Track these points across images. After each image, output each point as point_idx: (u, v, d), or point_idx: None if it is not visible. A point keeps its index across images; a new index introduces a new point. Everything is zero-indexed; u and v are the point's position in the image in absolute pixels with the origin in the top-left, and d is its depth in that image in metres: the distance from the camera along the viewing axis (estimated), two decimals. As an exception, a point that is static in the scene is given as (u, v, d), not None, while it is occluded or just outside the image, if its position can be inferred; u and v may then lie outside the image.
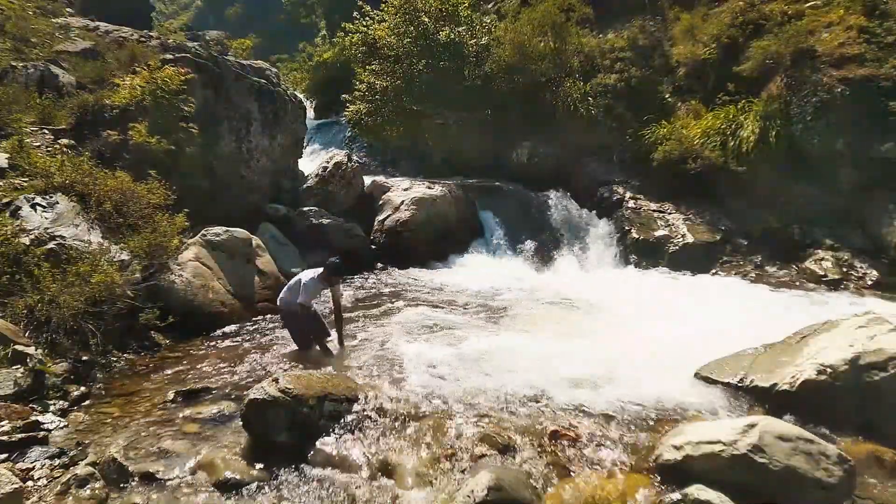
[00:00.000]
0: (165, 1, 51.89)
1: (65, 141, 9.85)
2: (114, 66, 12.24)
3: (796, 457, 3.98)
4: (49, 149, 9.43)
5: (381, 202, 13.29)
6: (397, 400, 5.25)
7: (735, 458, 4.01)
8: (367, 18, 18.11)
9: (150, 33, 16.98)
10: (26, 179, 8.04)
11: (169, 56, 11.42)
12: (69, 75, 11.88)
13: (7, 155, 8.48)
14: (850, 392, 4.96)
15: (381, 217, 12.93)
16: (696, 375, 5.94)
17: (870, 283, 9.90)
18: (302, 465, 4.37)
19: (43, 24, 14.61)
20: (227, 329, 7.86)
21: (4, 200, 7.38)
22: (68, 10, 20.03)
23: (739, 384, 5.57)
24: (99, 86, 11.49)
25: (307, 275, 7.02)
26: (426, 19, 16.26)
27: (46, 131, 10.05)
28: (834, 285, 9.92)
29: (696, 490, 3.95)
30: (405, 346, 7.00)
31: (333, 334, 7.13)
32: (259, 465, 4.40)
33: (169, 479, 4.25)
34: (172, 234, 7.95)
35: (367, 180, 14.35)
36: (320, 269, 6.96)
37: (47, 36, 13.98)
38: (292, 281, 7.14)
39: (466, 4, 17.14)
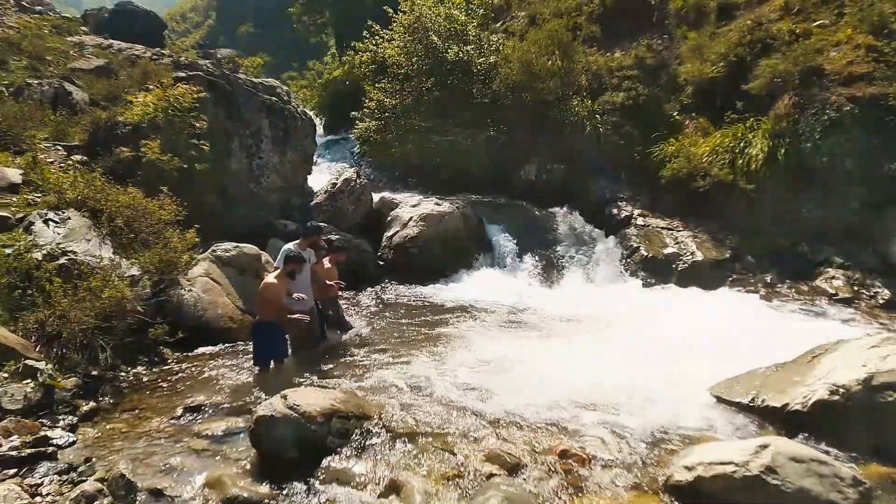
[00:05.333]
0: (178, 19, 52.64)
1: (78, 157, 9.97)
2: (126, 83, 12.43)
3: (810, 478, 3.93)
4: (62, 165, 9.55)
5: (389, 218, 13.31)
6: (405, 418, 5.24)
7: (747, 480, 3.96)
8: (377, 37, 18.33)
9: (163, 51, 17.26)
10: (39, 195, 8.13)
11: (181, 74, 11.58)
12: (83, 92, 12.08)
13: (21, 171, 8.59)
14: (863, 413, 4.89)
15: (389, 233, 12.94)
16: (708, 395, 5.89)
17: (881, 301, 9.80)
18: (310, 483, 4.35)
19: (58, 43, 14.86)
20: (236, 345, 7.86)
21: (18, 216, 7.45)
22: (83, 28, 20.38)
23: (751, 404, 5.52)
24: (112, 103, 11.67)
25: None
26: (435, 38, 16.42)
27: (60, 147, 10.19)
28: (845, 304, 9.84)
29: (708, 512, 3.90)
30: (413, 362, 6.99)
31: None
32: (267, 483, 4.38)
33: (177, 496, 4.23)
34: (183, 250, 8.00)
35: (376, 196, 14.40)
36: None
37: (62, 54, 14.22)
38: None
39: (475, 24, 17.32)
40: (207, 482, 4.38)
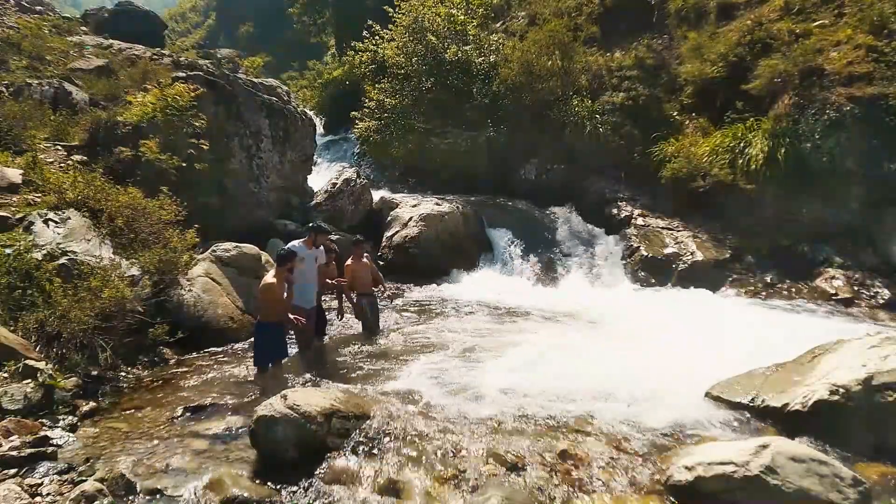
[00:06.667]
0: (178, 19, 52.66)
1: (78, 157, 9.95)
2: (127, 83, 12.43)
3: (810, 478, 3.93)
4: (62, 165, 9.53)
5: (389, 218, 13.33)
6: (406, 417, 5.24)
7: (747, 480, 3.96)
8: (377, 37, 18.34)
9: (163, 51, 17.28)
10: (39, 195, 8.12)
11: (181, 73, 11.59)
12: (83, 92, 12.07)
13: (21, 171, 8.58)
14: (863, 413, 4.89)
15: (389, 233, 12.95)
16: (707, 395, 5.89)
17: (881, 301, 9.81)
18: (310, 483, 4.34)
19: (58, 43, 14.86)
20: (235, 344, 7.87)
21: (18, 216, 7.45)
22: (83, 28, 20.39)
23: (751, 404, 5.52)
24: (112, 102, 11.66)
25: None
26: (433, 38, 16.43)
27: (60, 147, 10.17)
28: (845, 304, 9.84)
29: (708, 512, 3.90)
30: (413, 362, 6.99)
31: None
32: (267, 483, 4.37)
33: (177, 497, 4.22)
34: (183, 250, 7.99)
35: (376, 196, 14.41)
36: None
37: (62, 54, 14.22)
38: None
39: (475, 23, 17.33)
40: (207, 482, 4.37)
